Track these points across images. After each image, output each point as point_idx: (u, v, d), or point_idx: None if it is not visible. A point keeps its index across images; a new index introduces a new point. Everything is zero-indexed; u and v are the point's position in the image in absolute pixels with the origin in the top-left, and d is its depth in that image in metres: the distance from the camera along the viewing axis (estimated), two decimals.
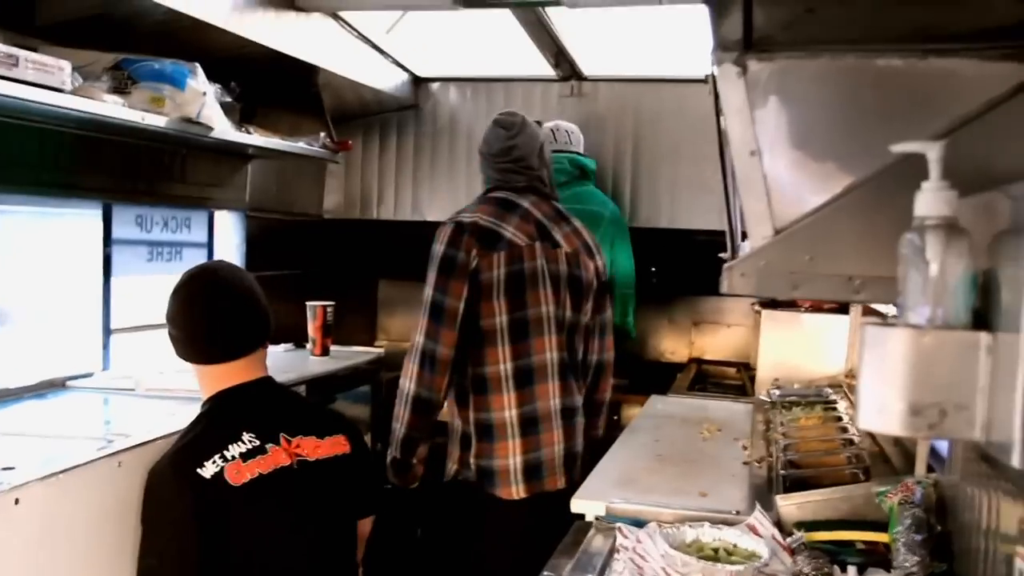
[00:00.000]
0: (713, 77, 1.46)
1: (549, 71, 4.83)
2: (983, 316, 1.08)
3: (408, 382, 3.01)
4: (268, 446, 2.41)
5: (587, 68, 4.90)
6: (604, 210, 4.45)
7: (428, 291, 3.02)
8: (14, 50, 2.45)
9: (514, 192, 3.19)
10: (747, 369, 4.70)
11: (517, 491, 3.00)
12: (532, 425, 3.04)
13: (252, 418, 2.45)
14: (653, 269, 4.89)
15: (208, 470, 2.31)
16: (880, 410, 1.06)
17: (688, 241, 4.84)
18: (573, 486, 2.67)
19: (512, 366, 3.03)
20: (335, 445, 2.56)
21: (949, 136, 1.29)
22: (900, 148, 1.14)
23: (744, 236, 1.52)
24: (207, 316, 2.50)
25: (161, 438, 2.58)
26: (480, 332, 3.02)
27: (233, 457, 2.34)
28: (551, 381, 3.09)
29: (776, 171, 1.40)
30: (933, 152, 1.11)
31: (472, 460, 3.04)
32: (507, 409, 3.02)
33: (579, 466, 3.12)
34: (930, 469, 2.25)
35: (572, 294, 3.17)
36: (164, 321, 2.53)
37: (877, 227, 1.32)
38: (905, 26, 1.35)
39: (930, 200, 1.09)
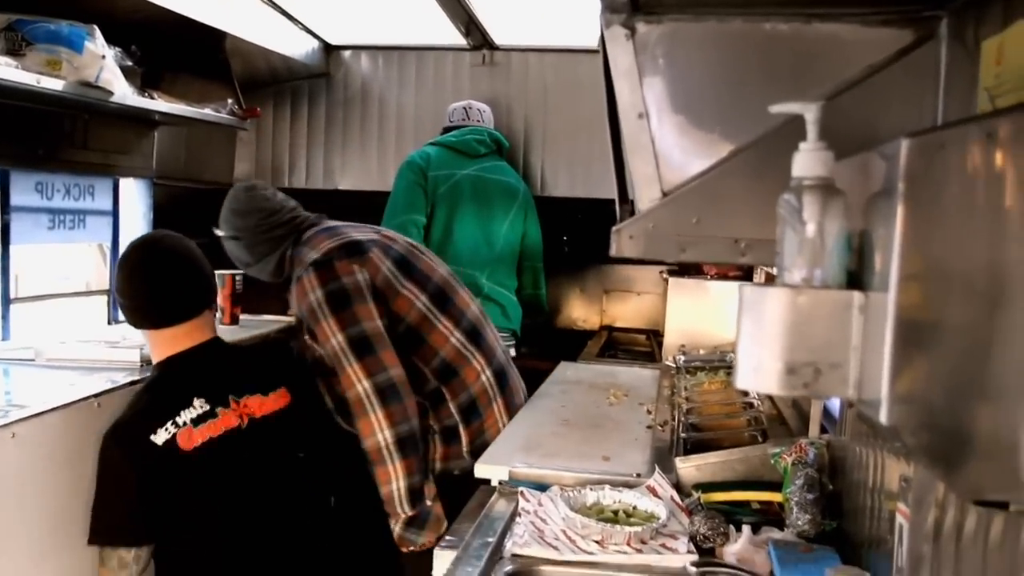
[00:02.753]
0: (602, 39, 1.44)
1: (461, 40, 4.77)
2: (858, 276, 1.08)
3: (380, 433, 2.70)
4: (218, 410, 2.56)
5: (499, 38, 4.85)
6: (520, 185, 4.52)
7: (335, 339, 2.76)
8: None
9: (314, 222, 3.09)
10: (656, 336, 4.73)
11: None
12: (503, 378, 3.01)
13: (202, 383, 2.58)
14: (565, 238, 4.89)
15: (160, 437, 2.43)
16: (756, 369, 1.06)
17: (601, 210, 4.79)
18: None
19: (460, 332, 2.97)
20: (278, 399, 2.71)
21: (831, 100, 1.29)
22: (778, 108, 1.14)
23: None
24: (149, 283, 2.62)
25: (59, 408, 2.52)
26: (412, 329, 2.89)
27: (184, 423, 2.48)
28: (489, 331, 3.09)
29: (663, 134, 1.39)
30: (810, 113, 1.11)
31: (465, 448, 2.92)
32: (481, 374, 2.96)
33: None
34: (823, 430, 2.29)
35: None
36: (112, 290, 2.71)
37: (762, 190, 1.31)
38: None
39: (807, 161, 1.09)
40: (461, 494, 2.83)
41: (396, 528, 2.75)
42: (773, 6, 1.37)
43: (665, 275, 4.26)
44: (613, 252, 1.41)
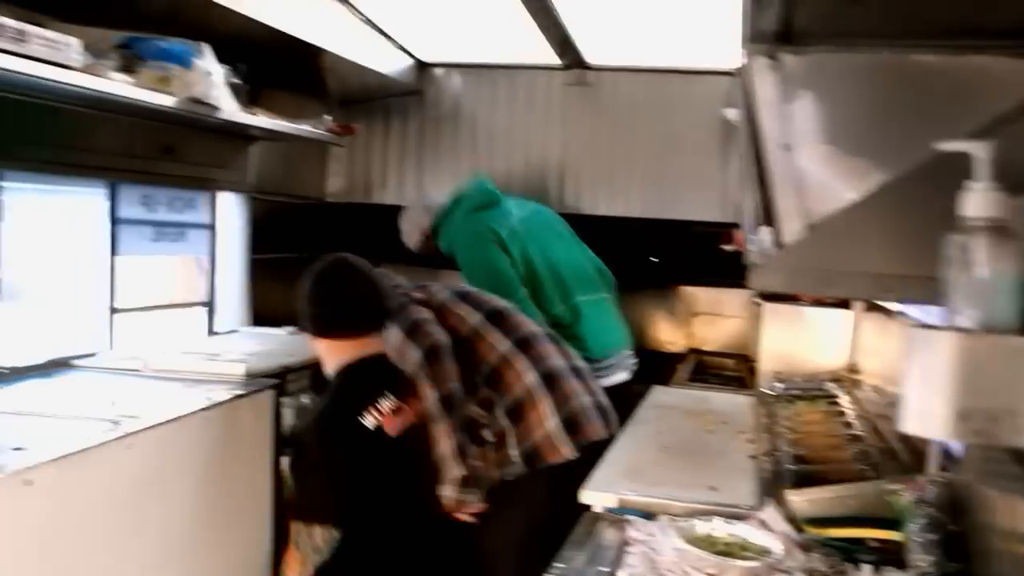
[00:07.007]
0: (744, 69, 1.42)
1: (554, 59, 4.78)
2: None
3: (432, 393, 2.85)
4: (403, 406, 2.80)
5: (592, 57, 4.85)
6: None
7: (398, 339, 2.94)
8: (24, 26, 2.40)
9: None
10: (745, 361, 4.68)
11: (568, 449, 2.87)
12: (554, 380, 3.01)
13: (386, 382, 2.82)
14: (652, 259, 4.87)
15: (369, 421, 2.71)
16: (923, 414, 1.02)
17: (687, 232, 4.82)
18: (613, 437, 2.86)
19: (508, 344, 3.04)
20: None
21: (992, 135, 1.26)
22: (947, 147, 1.10)
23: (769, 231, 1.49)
24: (345, 294, 2.90)
25: (172, 421, 2.57)
26: (462, 342, 2.99)
27: (384, 412, 2.75)
28: (544, 344, 3.11)
29: (808, 166, 1.36)
30: (982, 152, 1.07)
31: (514, 452, 2.93)
32: (525, 375, 2.98)
33: (614, 419, 3.08)
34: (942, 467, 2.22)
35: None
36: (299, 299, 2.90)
37: (911, 226, 1.28)
38: (943, 21, 1.31)
39: (978, 201, 1.06)
40: (513, 501, 2.92)
41: (451, 493, 2.85)
42: (923, 38, 1.34)
43: (757, 300, 4.20)
44: (753, 286, 1.38)
